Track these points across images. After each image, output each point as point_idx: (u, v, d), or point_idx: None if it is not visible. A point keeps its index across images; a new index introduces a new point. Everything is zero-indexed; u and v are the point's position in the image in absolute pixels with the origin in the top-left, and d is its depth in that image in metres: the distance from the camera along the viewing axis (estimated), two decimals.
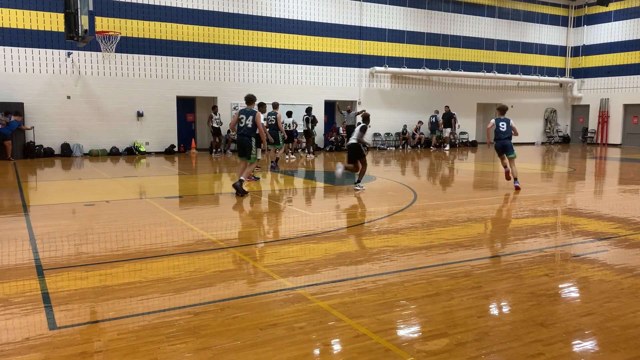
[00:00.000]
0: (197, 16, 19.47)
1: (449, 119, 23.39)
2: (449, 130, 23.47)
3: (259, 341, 3.46)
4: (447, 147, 23.32)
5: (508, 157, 10.66)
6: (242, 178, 9.53)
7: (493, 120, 10.77)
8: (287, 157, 17.17)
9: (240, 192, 9.42)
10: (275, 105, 13.34)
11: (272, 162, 13.83)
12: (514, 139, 10.80)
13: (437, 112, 23.92)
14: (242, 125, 9.40)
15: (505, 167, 10.85)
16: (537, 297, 4.37)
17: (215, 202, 9.57)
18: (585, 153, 22.33)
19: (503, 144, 10.63)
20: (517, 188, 10.46)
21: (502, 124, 10.62)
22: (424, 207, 8.79)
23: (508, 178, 10.92)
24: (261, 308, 4.07)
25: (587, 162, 18.51)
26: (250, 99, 9.55)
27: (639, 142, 26.43)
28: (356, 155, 10.28)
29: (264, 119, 12.10)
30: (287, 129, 16.30)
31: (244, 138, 9.45)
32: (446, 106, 23.67)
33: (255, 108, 9.65)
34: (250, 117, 9.31)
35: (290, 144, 17.62)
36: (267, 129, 12.72)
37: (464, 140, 25.68)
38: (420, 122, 24.34)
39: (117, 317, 3.88)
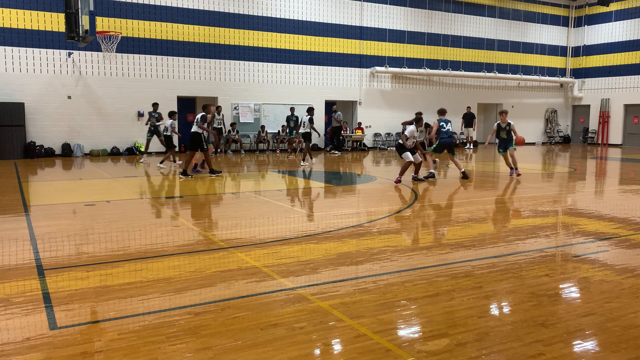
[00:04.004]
0: (197, 16, 19.48)
1: (470, 119, 23.94)
2: (471, 129, 24.13)
3: (259, 341, 3.46)
4: (471, 146, 23.96)
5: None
6: (432, 171, 12.43)
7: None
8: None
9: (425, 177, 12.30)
10: (168, 113, 13.71)
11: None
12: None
13: (468, 107, 24.23)
14: (444, 130, 12.39)
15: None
16: (537, 297, 4.37)
17: (215, 202, 9.58)
18: (586, 153, 22.32)
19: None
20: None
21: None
22: (425, 207, 8.79)
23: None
24: (262, 308, 4.07)
25: (587, 162, 18.50)
26: (441, 112, 12.80)
27: (639, 142, 26.43)
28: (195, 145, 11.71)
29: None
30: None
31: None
32: (468, 107, 24.14)
33: (445, 117, 12.67)
34: (450, 123, 12.50)
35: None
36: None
37: (463, 140, 25.67)
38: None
39: (118, 317, 3.88)
